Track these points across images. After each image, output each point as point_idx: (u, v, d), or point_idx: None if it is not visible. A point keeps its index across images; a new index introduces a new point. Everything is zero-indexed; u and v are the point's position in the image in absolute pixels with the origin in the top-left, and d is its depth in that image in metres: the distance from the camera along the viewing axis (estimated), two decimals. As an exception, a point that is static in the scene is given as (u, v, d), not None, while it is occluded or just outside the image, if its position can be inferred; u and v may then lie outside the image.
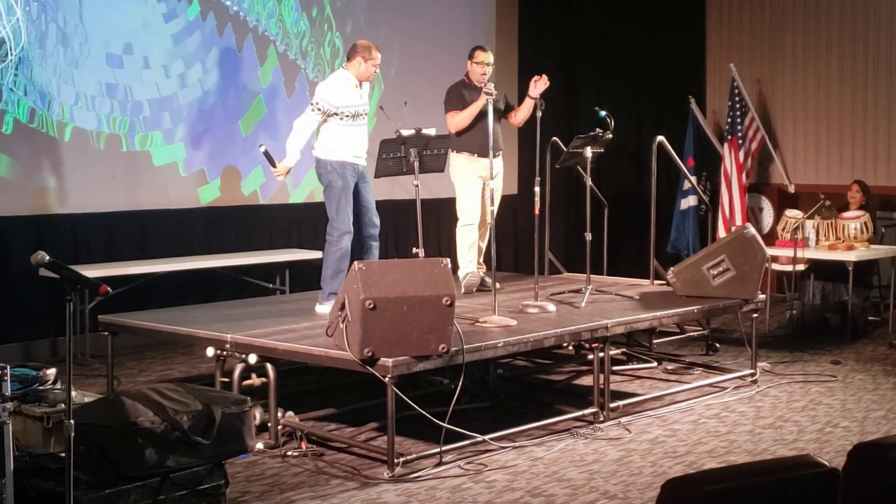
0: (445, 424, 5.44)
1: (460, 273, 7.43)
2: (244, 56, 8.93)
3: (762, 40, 11.36)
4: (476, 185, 7.47)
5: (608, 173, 10.92)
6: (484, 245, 7.65)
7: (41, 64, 7.80)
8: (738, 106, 10.67)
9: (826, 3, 10.92)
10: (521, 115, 7.62)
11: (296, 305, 7.05)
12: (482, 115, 7.09)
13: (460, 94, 7.44)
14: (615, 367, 7.17)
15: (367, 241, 6.95)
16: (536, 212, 6.88)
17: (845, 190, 9.80)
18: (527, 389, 7.09)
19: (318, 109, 6.70)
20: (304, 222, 9.19)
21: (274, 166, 6.86)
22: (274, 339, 5.80)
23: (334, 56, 9.34)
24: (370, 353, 5.18)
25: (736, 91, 10.66)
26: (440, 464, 5.38)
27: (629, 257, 10.22)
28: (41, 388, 5.13)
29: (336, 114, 6.68)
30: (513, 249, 10.74)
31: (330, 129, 6.75)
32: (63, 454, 3.93)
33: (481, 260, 7.68)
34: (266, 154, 6.86)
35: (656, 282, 8.04)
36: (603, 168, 10.58)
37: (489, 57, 7.43)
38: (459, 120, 7.36)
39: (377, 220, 6.98)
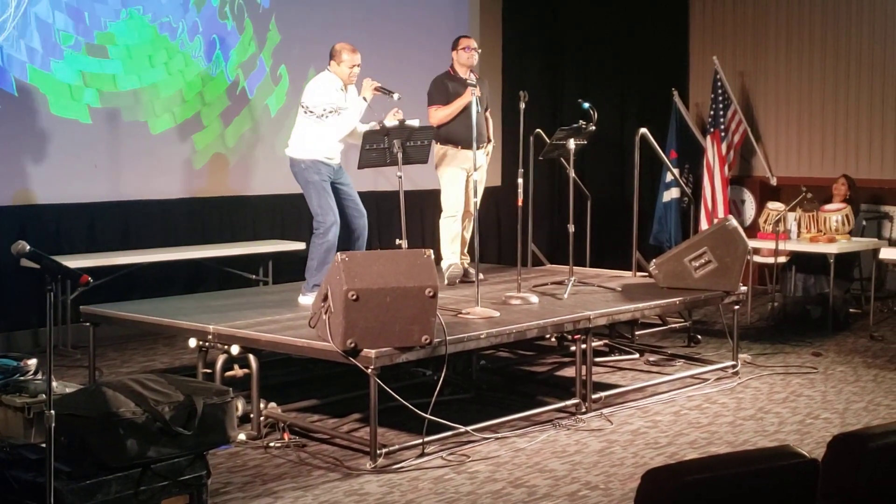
0: (428, 415, 5.45)
1: (443, 264, 7.45)
2: (229, 45, 8.89)
3: (745, 33, 11.39)
4: (460, 176, 7.47)
5: (591, 165, 10.93)
6: (468, 236, 7.66)
7: (21, 52, 7.76)
8: (720, 98, 10.69)
9: (809, -4, 10.97)
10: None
11: (279, 296, 7.04)
12: (466, 107, 7.12)
13: (445, 87, 7.42)
14: (597, 359, 7.19)
15: (355, 232, 6.98)
16: (520, 203, 6.88)
17: (827, 182, 9.85)
18: (509, 380, 7.10)
19: (314, 113, 6.71)
20: (288, 213, 9.17)
21: (390, 94, 6.79)
22: (256, 330, 5.80)
23: (317, 50, 9.30)
24: (353, 345, 5.19)
25: (719, 84, 10.69)
26: (422, 455, 5.39)
27: (612, 249, 10.23)
28: (22, 378, 5.11)
29: (321, 114, 6.72)
30: (496, 241, 10.74)
31: (306, 128, 6.77)
32: (44, 445, 3.92)
33: (465, 251, 7.70)
34: (382, 89, 6.78)
35: (639, 274, 8.06)
36: (586, 160, 10.59)
37: (473, 42, 7.50)
38: (443, 115, 7.36)
39: (363, 210, 7.01)
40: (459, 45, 7.47)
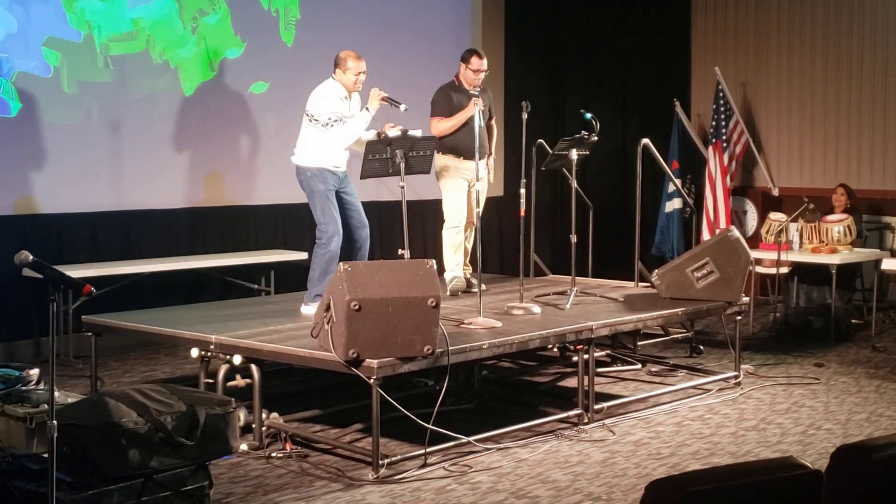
0: (430, 426, 5.44)
1: (446, 276, 7.43)
2: (232, 56, 8.90)
3: (747, 44, 11.41)
4: (462, 186, 7.46)
5: (593, 176, 10.94)
6: (470, 246, 7.66)
7: (24, 61, 7.77)
8: (722, 109, 10.70)
9: (810, 7, 10.98)
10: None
11: (281, 306, 7.04)
12: (469, 118, 7.12)
13: (448, 98, 7.39)
14: (599, 369, 7.19)
15: (357, 243, 6.98)
16: (522, 214, 6.89)
17: (829, 193, 9.85)
18: (511, 391, 7.10)
19: (319, 122, 6.71)
20: (290, 223, 9.18)
21: (397, 105, 6.80)
22: (259, 339, 5.79)
23: (319, 58, 9.31)
24: (355, 355, 5.18)
25: (721, 94, 10.70)
26: (425, 465, 5.38)
27: (614, 259, 10.23)
28: (24, 388, 5.12)
29: (326, 122, 6.73)
30: (498, 251, 10.74)
31: (312, 136, 6.78)
32: (46, 455, 3.92)
33: (467, 261, 7.70)
34: (389, 99, 6.79)
35: (641, 284, 8.06)
36: (588, 170, 10.60)
37: (484, 63, 7.37)
38: (445, 127, 7.32)
39: (366, 220, 7.02)
40: (471, 65, 7.34)
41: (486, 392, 6.86)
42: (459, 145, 7.34)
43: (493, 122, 7.73)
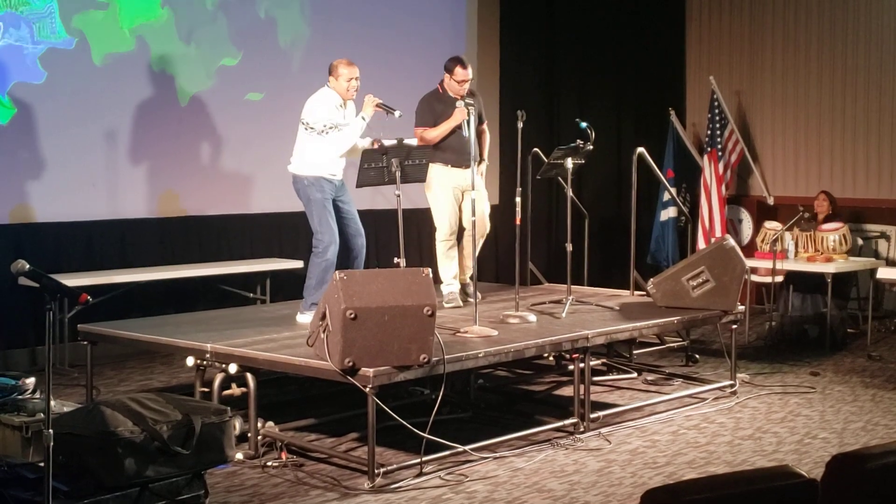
0: (426, 435, 5.44)
1: (443, 289, 7.35)
2: (228, 66, 8.91)
3: (742, 53, 11.44)
4: (450, 196, 7.31)
5: (589, 184, 10.96)
6: (472, 252, 7.49)
7: (20, 70, 7.78)
8: (717, 118, 10.73)
9: (805, 16, 11.02)
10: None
11: (277, 315, 7.04)
12: (457, 126, 7.07)
13: (431, 108, 7.24)
14: (595, 378, 7.18)
15: (353, 251, 6.97)
16: (518, 222, 6.88)
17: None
18: (507, 400, 7.10)
19: (314, 130, 6.71)
20: (286, 231, 9.17)
21: (391, 111, 6.78)
22: (254, 348, 5.79)
23: (315, 64, 9.32)
24: (351, 363, 5.18)
25: (715, 103, 10.73)
26: (420, 474, 5.38)
27: (609, 268, 10.25)
28: (20, 397, 5.11)
29: (321, 130, 6.73)
30: (494, 260, 10.74)
31: (308, 145, 6.77)
32: (42, 464, 3.92)
33: (469, 263, 7.53)
34: (384, 106, 6.77)
35: (636, 293, 8.07)
36: (583, 179, 10.62)
37: (469, 73, 7.20)
38: (430, 137, 7.15)
39: (362, 229, 7.01)
40: (455, 75, 7.16)
41: (482, 401, 6.86)
42: (448, 153, 7.20)
43: (484, 126, 7.58)
